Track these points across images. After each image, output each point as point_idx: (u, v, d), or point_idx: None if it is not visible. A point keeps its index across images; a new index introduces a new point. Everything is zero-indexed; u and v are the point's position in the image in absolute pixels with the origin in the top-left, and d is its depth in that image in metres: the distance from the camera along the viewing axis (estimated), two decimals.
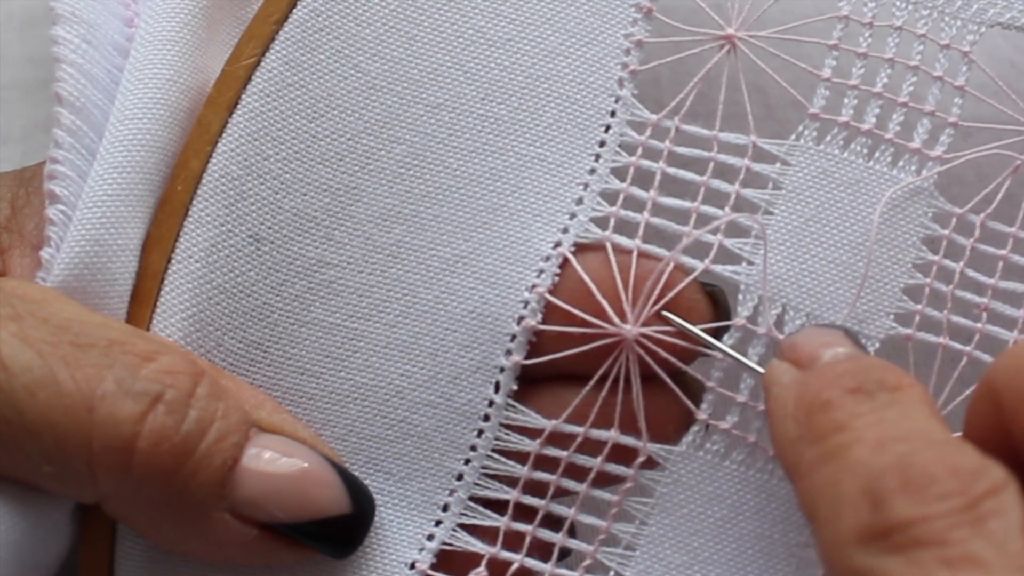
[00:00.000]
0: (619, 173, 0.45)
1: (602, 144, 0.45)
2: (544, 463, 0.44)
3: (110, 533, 0.42)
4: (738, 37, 0.44)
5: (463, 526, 0.44)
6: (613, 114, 0.45)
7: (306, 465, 0.41)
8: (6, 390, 0.38)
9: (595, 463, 0.43)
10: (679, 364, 0.43)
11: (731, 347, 0.43)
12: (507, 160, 0.44)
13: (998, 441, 0.38)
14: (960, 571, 0.34)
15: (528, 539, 0.44)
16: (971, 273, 0.44)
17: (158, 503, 0.40)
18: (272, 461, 0.41)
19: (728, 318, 0.44)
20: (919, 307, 0.44)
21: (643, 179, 0.45)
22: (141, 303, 0.43)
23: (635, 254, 0.44)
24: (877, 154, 0.44)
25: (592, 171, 0.45)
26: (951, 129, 0.44)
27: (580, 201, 0.44)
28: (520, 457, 0.44)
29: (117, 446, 0.39)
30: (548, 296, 0.44)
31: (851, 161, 0.44)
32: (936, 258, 0.44)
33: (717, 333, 0.44)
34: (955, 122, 0.44)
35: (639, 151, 0.45)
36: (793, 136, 0.44)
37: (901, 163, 0.44)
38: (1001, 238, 0.44)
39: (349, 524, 0.42)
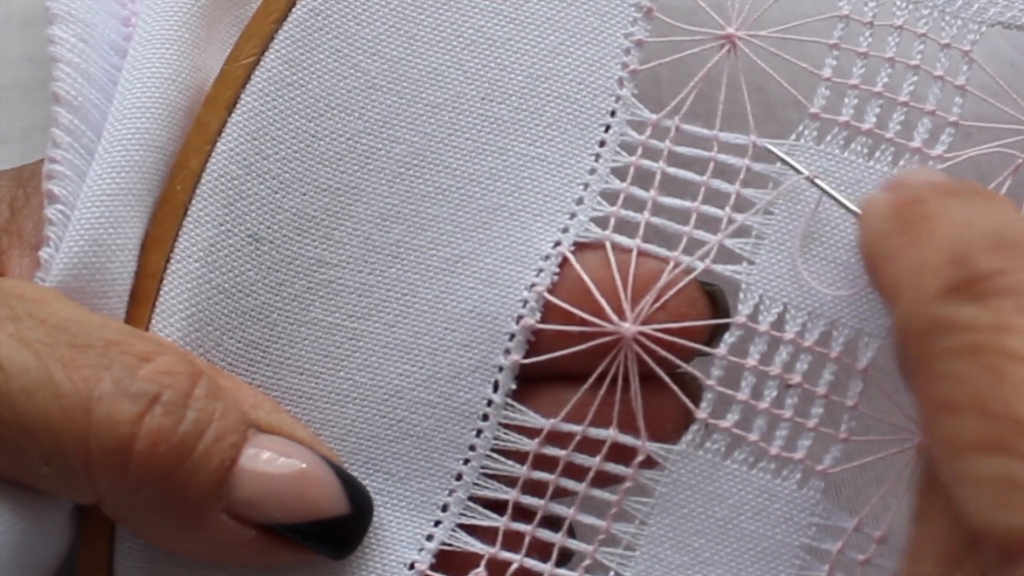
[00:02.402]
0: (619, 173, 0.45)
1: (602, 144, 0.45)
2: (543, 462, 0.44)
3: (109, 533, 0.42)
4: (738, 37, 0.44)
5: (462, 526, 0.44)
6: (613, 114, 0.45)
7: (304, 466, 0.41)
8: (3, 391, 0.38)
9: (594, 462, 0.43)
10: (678, 362, 0.43)
11: (731, 346, 0.43)
12: (507, 160, 0.44)
13: None
14: None
15: (527, 539, 0.44)
16: None
17: (156, 504, 0.40)
18: (270, 462, 0.41)
19: (727, 317, 0.44)
20: None
21: (643, 179, 0.44)
22: (140, 303, 0.43)
23: (635, 253, 0.44)
24: (877, 154, 0.44)
25: (592, 171, 0.45)
26: (951, 129, 0.44)
27: (580, 201, 0.44)
28: (519, 457, 0.44)
29: (114, 447, 0.39)
30: (547, 295, 0.44)
31: (851, 161, 0.44)
32: None
33: (716, 333, 0.43)
34: (955, 121, 0.44)
35: (639, 151, 0.45)
36: (793, 136, 0.44)
37: (902, 163, 0.44)
38: None
39: (347, 525, 0.42)
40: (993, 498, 0.33)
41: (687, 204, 0.44)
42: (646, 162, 0.45)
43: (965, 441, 0.34)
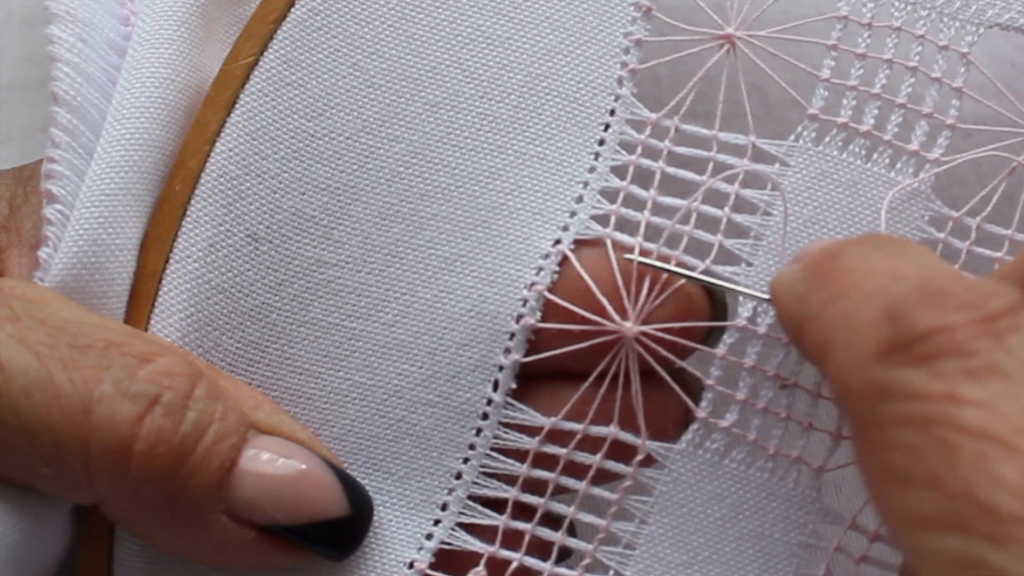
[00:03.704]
0: (619, 172, 0.45)
1: (602, 143, 0.45)
2: (543, 461, 0.44)
3: (109, 534, 0.42)
4: (737, 37, 0.44)
5: (462, 525, 0.44)
6: (612, 113, 0.45)
7: (304, 467, 0.41)
8: (3, 392, 0.38)
9: (594, 460, 0.43)
10: (677, 361, 0.43)
11: (730, 346, 0.43)
12: (506, 158, 0.44)
13: None
14: (986, 383, 0.33)
15: (527, 538, 0.44)
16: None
17: (155, 505, 0.40)
18: (270, 463, 0.41)
19: (726, 315, 0.44)
20: None
21: (643, 178, 0.44)
22: (139, 303, 0.43)
23: (636, 251, 0.44)
24: (875, 156, 0.44)
25: (592, 169, 0.45)
26: (948, 131, 0.44)
27: (580, 199, 0.44)
28: (519, 455, 0.44)
29: (114, 448, 0.39)
30: (547, 294, 0.44)
31: (849, 163, 0.44)
32: None
33: (715, 332, 0.43)
34: (952, 124, 0.44)
35: (639, 150, 0.45)
36: (792, 137, 0.44)
37: (899, 165, 0.44)
38: (997, 241, 0.44)
39: (347, 526, 0.42)
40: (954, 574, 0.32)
41: (687, 204, 0.44)
42: (646, 161, 0.45)
43: (921, 516, 0.33)
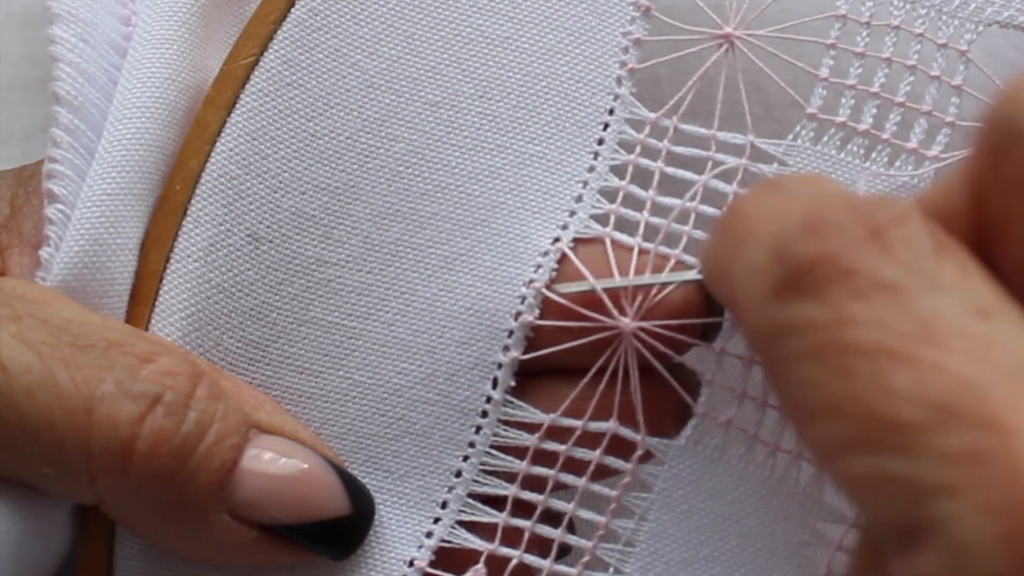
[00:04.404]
0: (618, 171, 0.45)
1: (601, 142, 0.45)
2: (543, 457, 0.44)
3: (109, 533, 0.43)
4: (736, 36, 0.44)
5: (462, 523, 0.44)
6: (611, 112, 0.45)
7: (305, 466, 0.41)
8: (6, 391, 0.38)
9: (594, 455, 0.43)
10: (677, 357, 0.43)
11: (729, 342, 0.43)
12: (506, 157, 0.44)
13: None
14: (873, 300, 0.33)
15: (527, 535, 0.44)
16: None
17: (157, 505, 0.40)
18: (272, 462, 0.41)
19: (723, 310, 0.44)
20: None
21: (642, 177, 0.45)
22: (140, 303, 0.43)
23: (636, 251, 0.44)
24: (874, 154, 0.44)
25: (591, 169, 0.45)
26: (948, 128, 0.44)
27: (580, 199, 0.45)
28: (518, 452, 0.44)
29: (116, 448, 0.39)
30: (545, 291, 0.44)
31: (848, 162, 0.44)
32: None
33: (712, 328, 0.44)
34: (952, 121, 0.44)
35: (638, 149, 0.45)
36: (791, 136, 0.44)
37: (898, 163, 0.44)
38: None
39: (348, 525, 0.42)
40: (873, 495, 0.32)
41: (686, 203, 0.44)
42: (645, 161, 0.45)
43: (832, 444, 0.33)
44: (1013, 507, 0.30)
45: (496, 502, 0.44)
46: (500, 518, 0.44)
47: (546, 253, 0.44)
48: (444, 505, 0.44)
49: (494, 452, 0.44)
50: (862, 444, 0.32)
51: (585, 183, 0.45)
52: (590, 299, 0.43)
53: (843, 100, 0.44)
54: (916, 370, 0.32)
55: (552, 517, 0.44)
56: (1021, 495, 0.30)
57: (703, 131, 0.44)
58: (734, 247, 0.37)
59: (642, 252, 0.44)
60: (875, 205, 0.35)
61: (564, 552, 0.44)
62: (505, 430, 0.44)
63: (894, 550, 0.32)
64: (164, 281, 0.43)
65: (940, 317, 0.33)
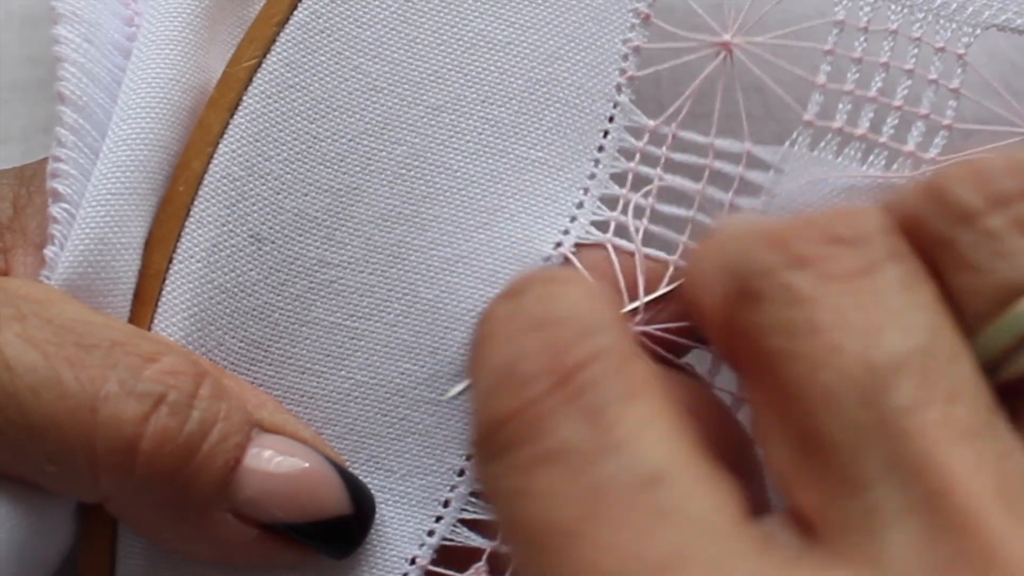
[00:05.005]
0: (618, 179, 0.45)
1: (601, 149, 0.45)
2: None
3: (111, 531, 0.43)
4: (734, 44, 0.44)
5: (464, 521, 0.44)
6: (611, 119, 0.45)
7: (307, 465, 0.41)
8: (10, 390, 0.38)
9: None
10: (675, 360, 0.43)
11: None
12: (508, 162, 0.45)
13: None
14: (550, 467, 0.31)
15: None
16: None
17: (160, 503, 0.40)
18: (273, 461, 0.41)
19: None
20: None
21: (642, 185, 0.45)
22: (143, 303, 0.43)
23: (638, 257, 0.44)
24: (871, 158, 0.44)
25: (592, 176, 0.45)
26: (945, 131, 0.44)
27: (581, 205, 0.45)
28: None
29: (120, 447, 0.39)
30: None
31: (845, 166, 0.44)
32: None
33: None
34: (949, 124, 0.44)
35: (637, 157, 0.45)
36: (788, 143, 0.44)
37: (895, 167, 0.44)
38: None
39: (350, 525, 0.42)
40: None
41: (684, 212, 0.44)
42: (644, 168, 0.45)
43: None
44: None
45: None
46: None
47: (548, 258, 0.44)
48: (446, 504, 0.44)
49: None
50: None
51: (586, 190, 0.45)
52: None
53: (840, 105, 0.44)
54: (591, 551, 0.30)
55: None
56: None
57: (701, 139, 0.44)
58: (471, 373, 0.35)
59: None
60: (572, 337, 0.32)
61: None
62: None
63: None
64: (167, 281, 0.43)
65: (611, 489, 0.30)
